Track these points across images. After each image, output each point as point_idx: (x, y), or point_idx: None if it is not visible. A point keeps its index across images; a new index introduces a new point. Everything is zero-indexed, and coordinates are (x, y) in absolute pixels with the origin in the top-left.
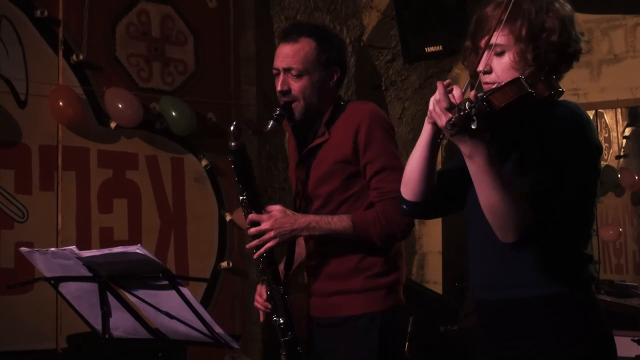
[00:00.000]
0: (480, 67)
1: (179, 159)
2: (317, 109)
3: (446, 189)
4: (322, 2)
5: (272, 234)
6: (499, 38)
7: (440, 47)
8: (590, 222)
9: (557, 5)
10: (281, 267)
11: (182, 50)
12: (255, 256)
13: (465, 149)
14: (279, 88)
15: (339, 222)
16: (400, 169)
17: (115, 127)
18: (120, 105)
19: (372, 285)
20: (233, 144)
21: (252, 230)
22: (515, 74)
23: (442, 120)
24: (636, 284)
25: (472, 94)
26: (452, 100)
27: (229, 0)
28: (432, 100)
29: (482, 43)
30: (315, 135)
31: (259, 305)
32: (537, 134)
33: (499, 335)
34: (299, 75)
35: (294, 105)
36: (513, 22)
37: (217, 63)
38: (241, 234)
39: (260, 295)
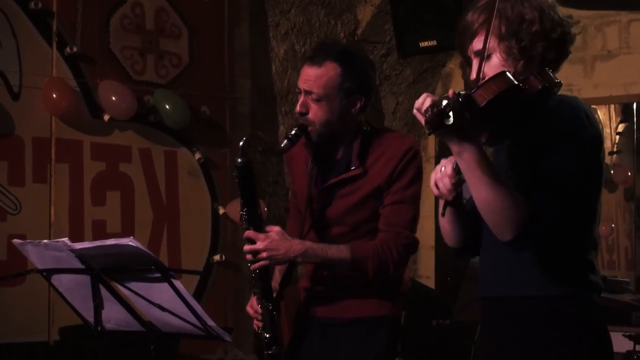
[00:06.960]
0: (474, 76)
1: (172, 152)
2: (337, 135)
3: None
4: None
5: (264, 254)
6: (481, 43)
7: (434, 42)
8: (588, 222)
9: None
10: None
11: (177, 43)
12: (251, 268)
13: (452, 146)
14: (297, 109)
15: (337, 252)
16: (414, 207)
17: (109, 119)
18: (113, 98)
19: (385, 295)
20: (239, 160)
21: (247, 247)
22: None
23: (421, 122)
24: (628, 280)
25: (450, 92)
26: (430, 100)
27: None
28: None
29: (469, 52)
30: (347, 167)
31: (250, 312)
32: (530, 129)
33: (492, 333)
34: (318, 100)
35: (309, 129)
36: (491, 23)
37: (212, 56)
38: (234, 227)
39: (252, 306)
